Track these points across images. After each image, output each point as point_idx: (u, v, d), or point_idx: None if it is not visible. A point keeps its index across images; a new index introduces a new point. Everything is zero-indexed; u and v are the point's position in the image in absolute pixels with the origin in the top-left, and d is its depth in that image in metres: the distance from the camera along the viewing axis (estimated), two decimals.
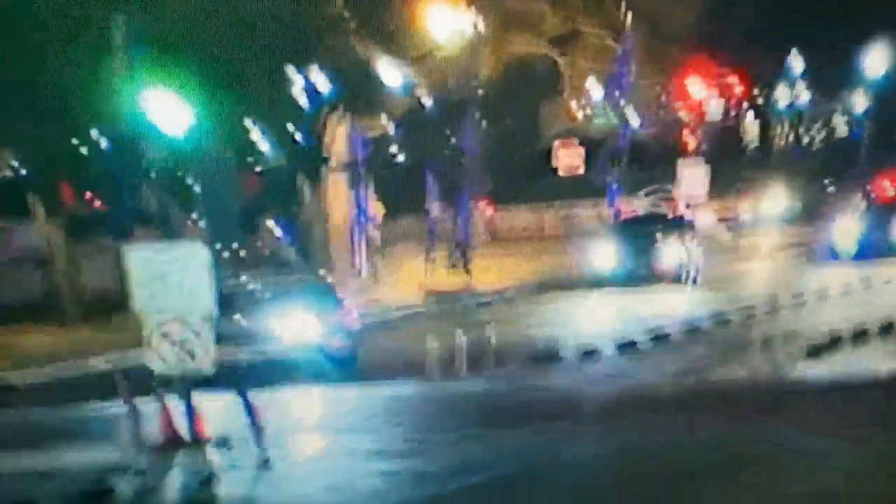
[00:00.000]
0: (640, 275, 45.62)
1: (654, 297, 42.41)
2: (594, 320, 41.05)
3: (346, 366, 31.13)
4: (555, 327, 38.34)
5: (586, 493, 18.49)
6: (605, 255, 47.70)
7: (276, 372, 28.40)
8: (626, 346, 32.68)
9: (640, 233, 48.38)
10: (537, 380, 29.86)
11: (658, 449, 19.87)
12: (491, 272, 52.61)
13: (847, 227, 50.29)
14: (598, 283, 46.81)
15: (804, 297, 38.82)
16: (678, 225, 49.75)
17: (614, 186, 58.74)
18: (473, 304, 44.91)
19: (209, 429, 21.87)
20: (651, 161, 64.21)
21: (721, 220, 59.45)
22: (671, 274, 44.99)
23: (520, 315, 42.32)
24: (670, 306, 39.02)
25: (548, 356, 32.26)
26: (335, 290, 35.69)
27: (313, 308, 33.29)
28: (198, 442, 21.92)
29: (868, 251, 47.27)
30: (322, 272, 42.91)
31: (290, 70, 48.66)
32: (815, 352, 29.64)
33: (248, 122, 51.24)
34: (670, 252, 46.19)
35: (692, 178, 57.12)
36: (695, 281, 44.67)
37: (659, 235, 47.40)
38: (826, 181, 66.74)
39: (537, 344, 34.76)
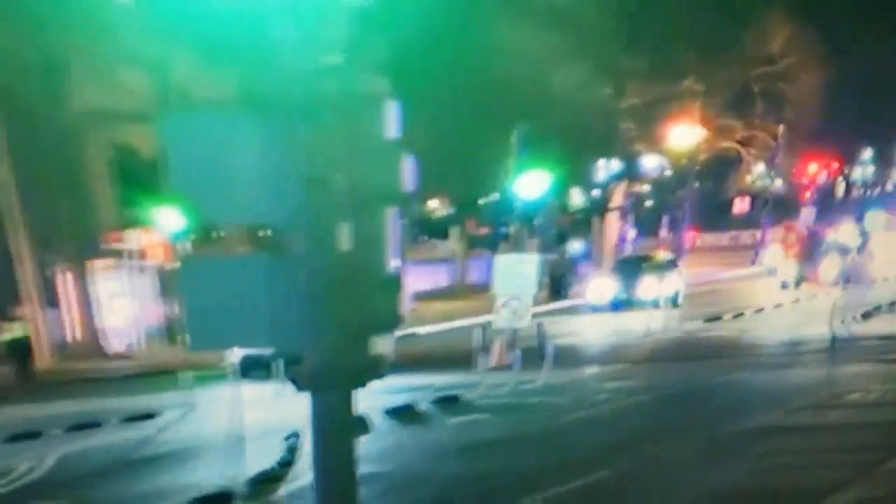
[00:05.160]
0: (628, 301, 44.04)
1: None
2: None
3: None
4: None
5: None
6: (601, 286, 46.22)
7: None
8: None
9: (633, 268, 46.51)
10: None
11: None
12: (688, 268, 56.40)
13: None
14: None
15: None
16: (661, 263, 47.68)
17: (764, 220, 66.05)
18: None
19: (517, 357, 25.87)
20: (785, 206, 69.55)
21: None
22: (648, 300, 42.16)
23: (704, 294, 47.92)
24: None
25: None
26: None
27: None
28: (513, 366, 25.77)
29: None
30: None
31: (597, 157, 58.04)
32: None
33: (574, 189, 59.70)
34: (649, 284, 44.05)
35: (806, 216, 64.69)
36: (675, 304, 42.45)
37: (643, 270, 45.56)
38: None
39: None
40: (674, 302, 42.34)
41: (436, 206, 66.65)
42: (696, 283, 51.71)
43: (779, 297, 44.02)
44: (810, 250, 49.50)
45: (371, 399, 19.09)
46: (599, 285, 46.62)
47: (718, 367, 26.75)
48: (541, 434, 18.95)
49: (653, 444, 17.12)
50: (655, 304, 39.87)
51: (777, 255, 52.34)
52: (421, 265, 57.52)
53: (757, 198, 74.37)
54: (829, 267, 47.17)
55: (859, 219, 62.83)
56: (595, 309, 44.17)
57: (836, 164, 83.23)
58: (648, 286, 43.81)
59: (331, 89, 4.97)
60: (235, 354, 27.11)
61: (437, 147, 34.02)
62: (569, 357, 29.32)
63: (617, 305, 44.11)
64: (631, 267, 47.32)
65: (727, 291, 50.50)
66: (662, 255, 51.07)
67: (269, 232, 5.45)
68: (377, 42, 5.27)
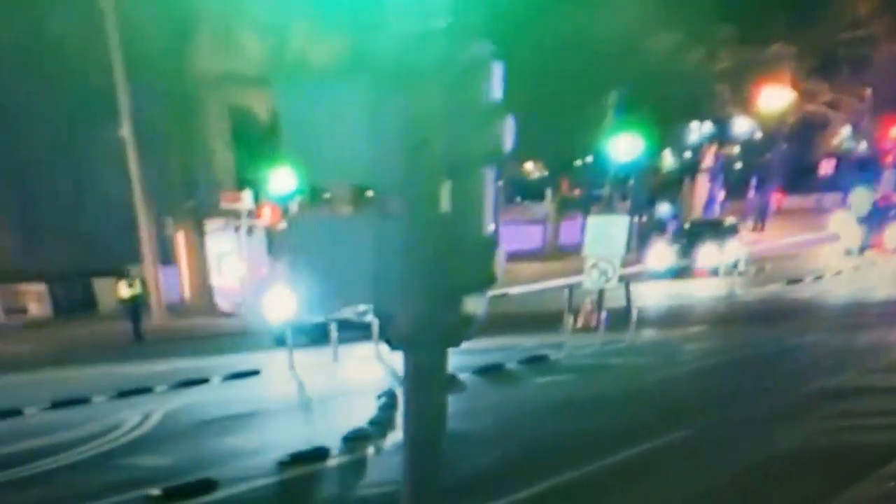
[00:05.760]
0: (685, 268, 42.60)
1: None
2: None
3: None
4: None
5: None
6: (662, 252, 44.33)
7: None
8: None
9: (695, 234, 44.48)
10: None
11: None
12: (773, 230, 59.33)
13: None
14: None
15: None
16: (722, 229, 45.48)
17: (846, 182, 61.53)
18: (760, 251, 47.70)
19: (604, 319, 25.80)
20: (867, 170, 65.18)
21: None
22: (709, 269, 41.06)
23: (788, 258, 46.22)
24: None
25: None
26: None
27: None
28: (599, 327, 25.68)
29: None
30: None
31: (689, 119, 57.20)
32: None
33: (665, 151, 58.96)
34: (709, 250, 42.44)
35: (889, 179, 60.39)
36: (735, 271, 40.73)
37: (705, 237, 43.65)
38: None
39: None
40: (734, 268, 40.87)
41: (531, 169, 66.12)
42: (777, 246, 50.81)
43: (855, 260, 42.74)
44: (876, 215, 46.27)
45: (462, 358, 19.30)
46: (660, 251, 44.60)
47: (795, 328, 26.23)
48: (625, 394, 18.82)
49: (730, 403, 17.04)
50: (715, 272, 38.73)
51: (841, 220, 48.79)
52: (515, 226, 57.42)
53: (842, 160, 72.43)
54: (893, 232, 45.29)
55: None
56: (655, 275, 41.89)
57: None
58: (709, 253, 42.18)
59: (435, 54, 4.89)
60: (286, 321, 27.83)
61: (534, 110, 32.26)
62: (653, 318, 28.99)
63: (675, 272, 42.36)
64: (694, 233, 45.31)
65: (808, 254, 48.84)
66: (727, 221, 48.58)
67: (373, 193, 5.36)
68: (480, 7, 5.13)
